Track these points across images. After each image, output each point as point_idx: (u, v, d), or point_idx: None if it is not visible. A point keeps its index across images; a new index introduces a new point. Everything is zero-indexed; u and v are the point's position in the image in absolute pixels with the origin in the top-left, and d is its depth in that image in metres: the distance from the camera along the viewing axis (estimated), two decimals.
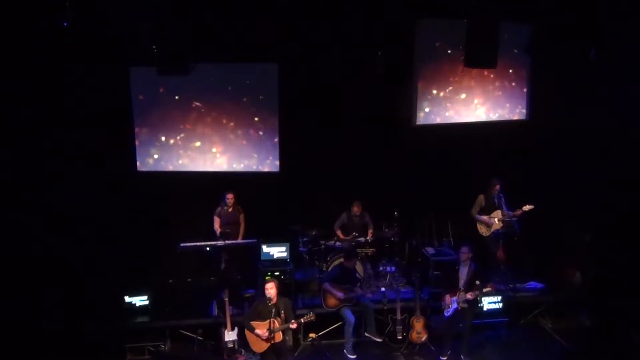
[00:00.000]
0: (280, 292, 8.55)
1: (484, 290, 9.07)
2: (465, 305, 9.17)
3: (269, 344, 8.37)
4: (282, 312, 8.36)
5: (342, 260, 10.15)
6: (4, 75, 9.77)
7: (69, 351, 9.53)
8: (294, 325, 8.49)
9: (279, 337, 8.40)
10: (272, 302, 8.37)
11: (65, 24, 8.25)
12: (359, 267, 10.42)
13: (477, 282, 9.03)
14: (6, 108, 10.13)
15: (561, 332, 10.19)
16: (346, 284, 9.80)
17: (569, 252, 10.99)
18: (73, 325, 9.80)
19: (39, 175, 10.54)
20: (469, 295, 9.02)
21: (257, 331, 8.34)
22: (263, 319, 8.38)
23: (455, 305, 9.16)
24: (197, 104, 11.13)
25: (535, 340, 10.07)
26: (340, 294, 9.71)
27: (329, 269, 10.48)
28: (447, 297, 9.26)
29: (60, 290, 10.16)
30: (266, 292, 8.36)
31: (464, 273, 9.23)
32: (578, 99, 11.13)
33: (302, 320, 8.52)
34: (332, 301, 9.80)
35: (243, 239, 10.59)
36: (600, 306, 10.24)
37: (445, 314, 9.32)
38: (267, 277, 9.84)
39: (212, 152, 11.30)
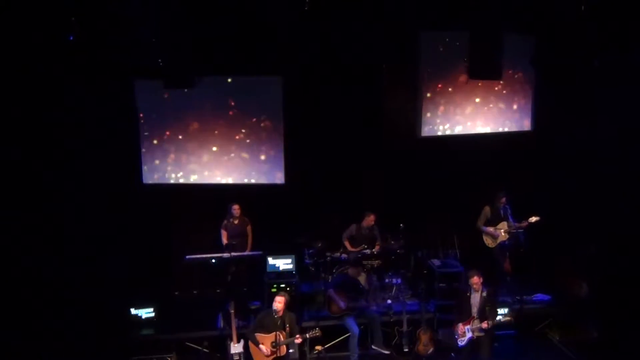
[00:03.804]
0: (287, 307, 8.54)
1: (503, 320, 8.83)
2: (482, 334, 8.76)
3: (272, 357, 8.34)
4: (287, 325, 8.35)
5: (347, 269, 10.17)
6: (9, 89, 9.84)
7: None
8: (298, 340, 8.48)
9: (283, 350, 8.38)
10: (277, 315, 8.35)
11: (71, 38, 8.31)
12: (362, 278, 10.39)
13: (489, 309, 8.71)
14: (11, 121, 10.19)
15: (569, 344, 10.12)
16: (350, 293, 9.82)
17: (575, 263, 10.94)
18: (79, 338, 9.79)
19: (43, 188, 10.58)
20: (484, 325, 8.66)
21: (261, 346, 8.32)
22: (268, 331, 8.37)
23: (470, 335, 8.81)
24: (202, 116, 11.18)
25: (543, 353, 10.01)
26: (342, 304, 9.70)
27: (333, 276, 10.50)
28: (460, 325, 8.88)
29: (65, 302, 10.17)
30: (274, 304, 8.35)
31: (476, 300, 8.84)
32: (583, 110, 11.12)
33: (307, 335, 8.50)
34: (335, 308, 9.82)
35: (251, 250, 10.60)
36: (607, 318, 10.18)
37: (459, 343, 8.91)
38: (273, 290, 9.87)
39: (217, 164, 11.34)
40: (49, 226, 10.53)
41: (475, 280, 8.80)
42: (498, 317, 8.82)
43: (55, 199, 10.62)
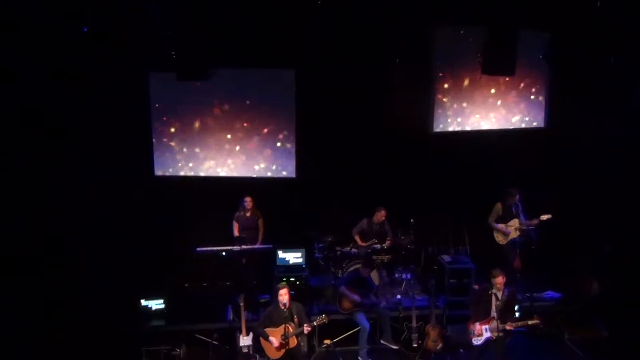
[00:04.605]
0: (292, 297, 8.55)
1: (530, 323, 8.50)
2: (501, 334, 8.49)
3: (283, 350, 8.36)
4: (295, 316, 8.35)
5: (358, 266, 10.16)
6: (24, 79, 9.89)
7: (85, 354, 9.58)
8: (307, 329, 8.45)
9: (293, 342, 8.37)
10: (285, 308, 8.36)
11: (85, 29, 8.33)
12: (374, 275, 10.39)
13: (517, 313, 8.58)
14: (26, 111, 10.25)
15: (578, 342, 10.09)
16: (361, 289, 9.83)
17: (586, 261, 10.90)
18: (89, 328, 9.86)
19: (56, 180, 10.64)
20: (508, 326, 8.41)
21: (271, 338, 8.33)
22: (276, 325, 8.37)
23: (488, 335, 8.51)
24: (215, 109, 11.20)
25: (553, 350, 9.98)
26: (356, 297, 9.72)
27: (345, 274, 10.48)
28: (478, 325, 8.59)
29: (76, 293, 10.23)
30: (280, 297, 8.34)
31: (496, 300, 8.55)
32: (596, 107, 11.05)
33: (315, 323, 8.48)
34: (346, 304, 9.82)
35: (261, 244, 10.61)
36: (618, 317, 10.14)
37: (474, 342, 8.62)
38: (282, 283, 9.87)
39: (228, 157, 11.36)
40: (60, 218, 10.61)
41: (500, 280, 8.52)
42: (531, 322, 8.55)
43: (66, 191, 10.69)
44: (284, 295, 8.34)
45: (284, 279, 10.17)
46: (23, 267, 10.20)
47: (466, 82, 11.45)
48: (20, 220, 10.35)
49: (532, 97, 11.73)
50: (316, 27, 9.97)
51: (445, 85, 11.45)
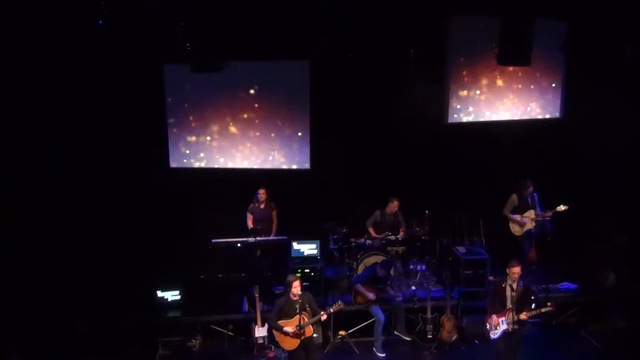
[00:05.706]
0: (303, 288, 8.56)
1: (543, 310, 8.36)
2: (517, 326, 8.31)
3: (299, 340, 8.38)
4: (307, 306, 8.36)
5: (375, 261, 10.18)
6: (39, 72, 9.94)
7: (102, 345, 9.69)
8: (324, 317, 8.45)
9: (309, 331, 8.39)
10: (298, 299, 8.37)
11: (100, 22, 8.36)
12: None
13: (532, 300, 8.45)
14: (41, 104, 10.31)
15: (594, 333, 10.05)
16: (378, 284, 9.84)
17: (603, 253, 10.84)
18: (106, 319, 9.94)
19: (71, 172, 10.69)
20: (523, 316, 8.22)
21: (287, 329, 8.35)
22: (290, 316, 8.37)
23: (504, 327, 8.30)
24: (229, 101, 11.21)
25: (569, 342, 9.94)
26: (371, 295, 9.71)
27: (361, 270, 10.41)
28: (494, 317, 8.37)
29: (92, 284, 10.30)
30: (294, 289, 8.32)
31: (512, 291, 8.30)
32: (612, 98, 10.95)
33: (331, 310, 8.49)
34: (361, 300, 9.83)
35: (275, 235, 10.64)
36: (634, 308, 10.08)
37: (492, 336, 8.40)
38: (297, 275, 9.90)
39: (243, 149, 11.38)
40: (76, 210, 10.67)
41: (518, 270, 8.29)
42: (544, 310, 8.42)
43: (84, 182, 10.74)
44: (297, 287, 8.36)
45: (299, 271, 10.20)
46: (37, 258, 10.27)
47: (481, 73, 11.38)
48: (35, 212, 10.42)
49: (548, 87, 11.64)
50: (331, 17, 9.92)
51: (460, 76, 11.39)
